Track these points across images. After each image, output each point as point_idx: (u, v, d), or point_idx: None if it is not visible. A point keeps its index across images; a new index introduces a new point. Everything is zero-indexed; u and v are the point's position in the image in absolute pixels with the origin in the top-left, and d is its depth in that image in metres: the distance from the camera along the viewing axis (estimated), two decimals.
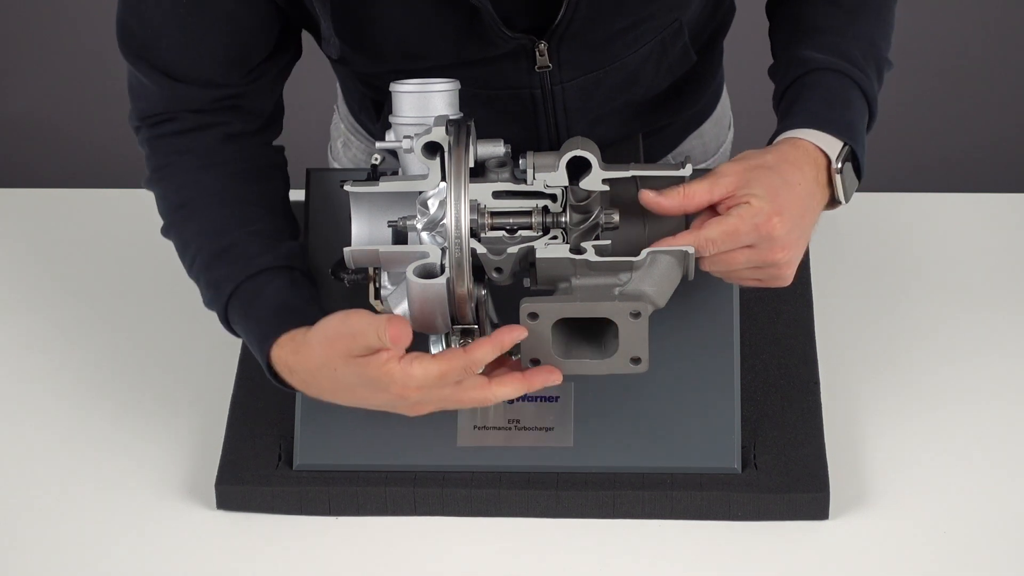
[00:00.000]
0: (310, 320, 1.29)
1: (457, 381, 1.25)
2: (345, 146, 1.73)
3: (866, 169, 1.35)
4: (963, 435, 1.44)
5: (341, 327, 1.25)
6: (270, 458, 1.42)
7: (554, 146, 1.50)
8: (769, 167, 1.29)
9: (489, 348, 1.24)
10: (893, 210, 1.67)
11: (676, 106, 1.58)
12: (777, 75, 1.41)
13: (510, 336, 1.24)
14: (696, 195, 1.28)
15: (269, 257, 1.35)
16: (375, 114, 1.58)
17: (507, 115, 1.47)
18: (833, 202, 1.34)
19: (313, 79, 1.86)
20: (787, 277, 1.30)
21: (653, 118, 1.56)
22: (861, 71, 1.36)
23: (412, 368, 1.23)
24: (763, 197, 1.27)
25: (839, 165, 1.31)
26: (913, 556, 1.34)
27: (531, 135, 1.49)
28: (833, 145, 1.32)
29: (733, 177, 1.28)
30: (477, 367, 1.24)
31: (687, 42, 1.48)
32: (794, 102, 1.36)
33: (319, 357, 1.27)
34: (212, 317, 1.57)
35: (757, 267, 1.29)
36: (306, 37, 1.45)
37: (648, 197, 1.28)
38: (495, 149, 1.32)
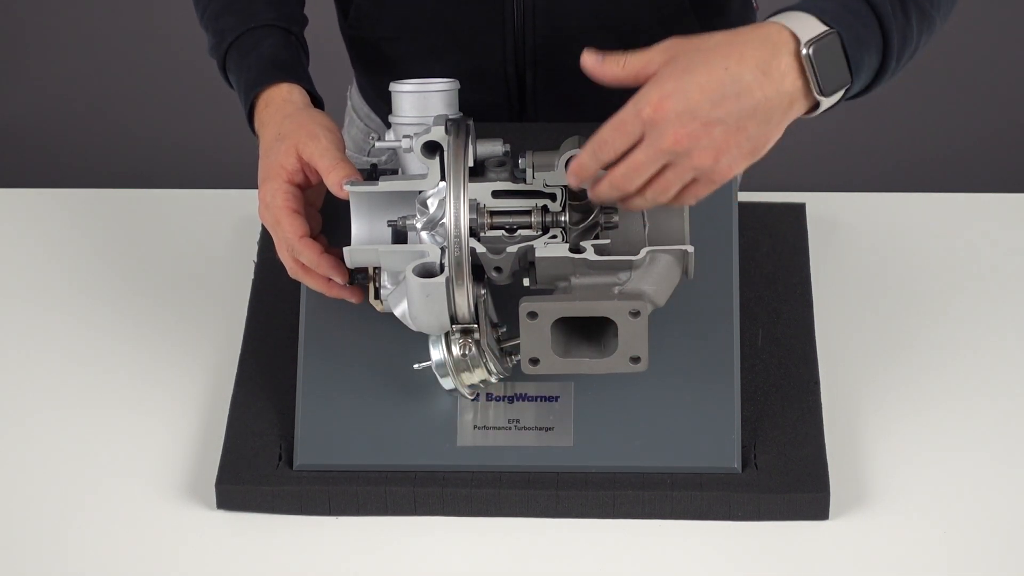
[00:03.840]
0: (297, 77, 1.43)
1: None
2: (349, 126, 1.77)
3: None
4: (963, 435, 1.44)
5: (314, 146, 1.35)
6: (270, 458, 1.42)
7: (517, 39, 1.50)
8: (702, 47, 1.20)
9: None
10: (893, 210, 1.67)
11: None
12: None
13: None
14: (632, 66, 1.22)
15: (271, 15, 1.46)
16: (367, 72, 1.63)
17: (473, 3, 1.48)
18: (814, 104, 1.22)
19: (328, 72, 1.87)
20: (711, 169, 1.21)
21: None
22: None
23: (296, 234, 1.35)
24: (658, 81, 1.19)
25: (807, 51, 1.19)
26: (913, 556, 1.34)
27: (496, 25, 1.49)
28: (809, 27, 1.21)
29: (664, 52, 1.22)
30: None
31: None
32: None
33: (272, 132, 1.39)
34: (212, 317, 1.57)
35: (673, 167, 1.21)
36: (313, 35, 1.47)
37: (586, 60, 1.24)
38: (494, 148, 1.33)
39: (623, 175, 1.23)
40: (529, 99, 1.55)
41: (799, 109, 1.23)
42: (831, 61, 1.21)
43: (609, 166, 1.24)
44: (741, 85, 1.19)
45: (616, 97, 1.53)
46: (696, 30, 1.50)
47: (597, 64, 1.24)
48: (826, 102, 1.23)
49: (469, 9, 1.49)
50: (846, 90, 1.24)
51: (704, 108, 1.19)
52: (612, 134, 1.22)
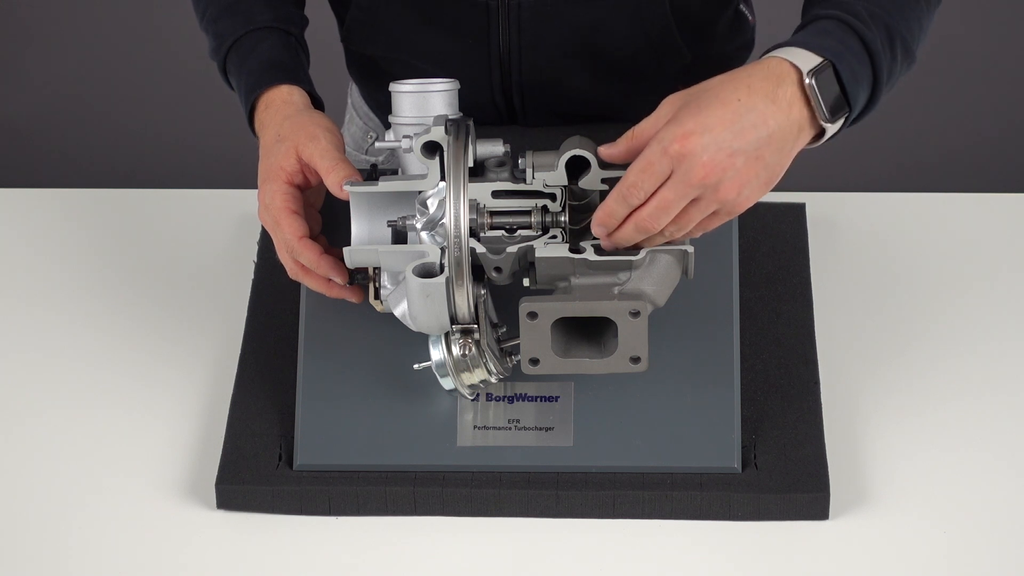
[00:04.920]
0: (296, 78, 1.43)
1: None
2: (349, 123, 1.77)
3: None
4: (963, 435, 1.44)
5: (314, 148, 1.35)
6: (270, 458, 1.42)
7: (504, 70, 1.50)
8: (708, 87, 1.24)
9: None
10: (893, 210, 1.67)
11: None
12: None
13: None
14: (644, 132, 1.25)
15: (269, 17, 1.46)
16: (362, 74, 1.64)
17: (459, 30, 1.48)
18: (819, 135, 1.27)
19: (329, 70, 1.87)
20: (733, 202, 1.24)
21: (633, 100, 1.55)
22: (863, 24, 1.29)
23: (294, 233, 1.35)
24: (677, 120, 1.22)
25: (809, 80, 1.24)
26: (913, 556, 1.34)
27: (482, 57, 1.50)
28: (806, 59, 1.25)
29: (671, 104, 1.25)
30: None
31: (668, 14, 1.47)
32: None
33: (272, 134, 1.39)
34: (212, 317, 1.57)
35: (699, 201, 1.23)
36: (314, 34, 1.48)
37: (602, 151, 1.27)
38: (494, 148, 1.33)
39: (651, 215, 1.24)
40: (520, 125, 1.56)
41: (805, 137, 1.26)
42: (831, 90, 1.25)
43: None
44: (755, 114, 1.22)
45: (603, 119, 1.54)
46: (684, 54, 1.51)
47: (610, 151, 1.27)
48: (830, 129, 1.27)
49: (455, 43, 1.49)
50: (845, 118, 1.28)
51: (727, 139, 1.21)
52: (640, 176, 1.22)
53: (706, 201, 1.24)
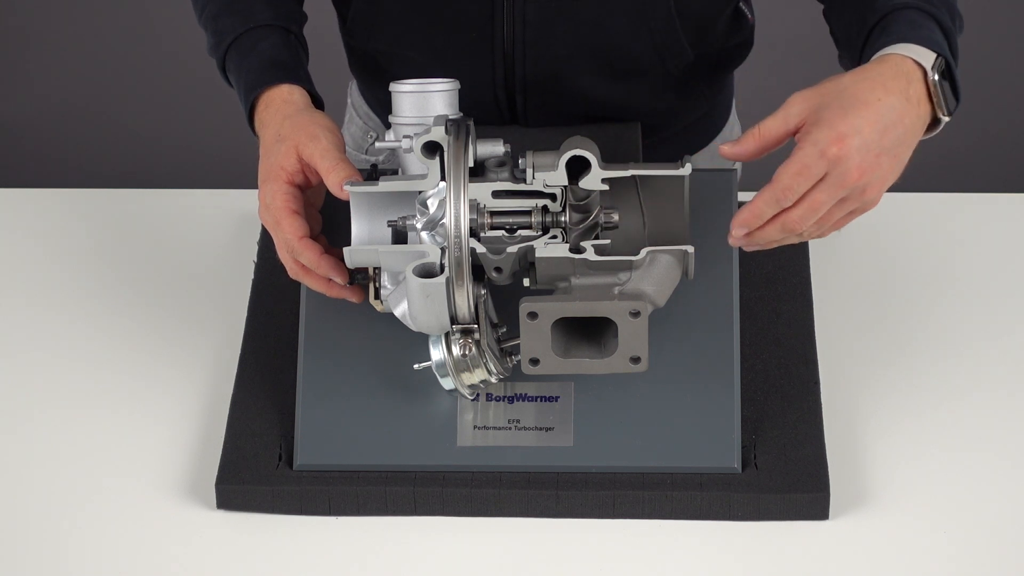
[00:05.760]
0: (297, 77, 1.43)
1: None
2: (348, 123, 1.77)
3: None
4: (963, 435, 1.44)
5: (315, 148, 1.35)
6: (270, 458, 1.42)
7: (508, 65, 1.50)
8: (843, 87, 1.26)
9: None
10: (893, 210, 1.67)
11: (663, 103, 1.57)
12: (850, 38, 1.38)
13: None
14: (772, 131, 1.26)
15: (269, 15, 1.46)
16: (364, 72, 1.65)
17: (463, 25, 1.48)
18: (934, 124, 1.30)
19: (329, 69, 1.87)
20: (873, 200, 1.27)
21: (635, 99, 1.55)
22: (937, 9, 1.32)
23: (295, 234, 1.35)
24: (827, 122, 1.23)
25: (935, 76, 1.27)
26: (913, 556, 1.34)
27: (486, 52, 1.50)
28: (927, 56, 1.28)
29: (804, 104, 1.26)
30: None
31: (672, 10, 1.47)
32: (878, 38, 1.32)
33: (272, 133, 1.39)
34: (212, 317, 1.57)
35: (844, 200, 1.26)
36: (314, 32, 1.48)
37: (725, 150, 1.28)
38: (495, 148, 1.33)
39: (801, 216, 1.25)
40: (521, 122, 1.56)
41: (923, 132, 1.30)
42: (948, 84, 1.29)
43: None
44: (895, 113, 1.25)
45: (604, 119, 1.54)
46: (687, 52, 1.51)
47: (735, 150, 1.28)
48: (944, 122, 1.31)
49: (459, 37, 1.49)
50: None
51: (875, 140, 1.24)
52: (795, 179, 1.23)
53: (851, 201, 1.26)
